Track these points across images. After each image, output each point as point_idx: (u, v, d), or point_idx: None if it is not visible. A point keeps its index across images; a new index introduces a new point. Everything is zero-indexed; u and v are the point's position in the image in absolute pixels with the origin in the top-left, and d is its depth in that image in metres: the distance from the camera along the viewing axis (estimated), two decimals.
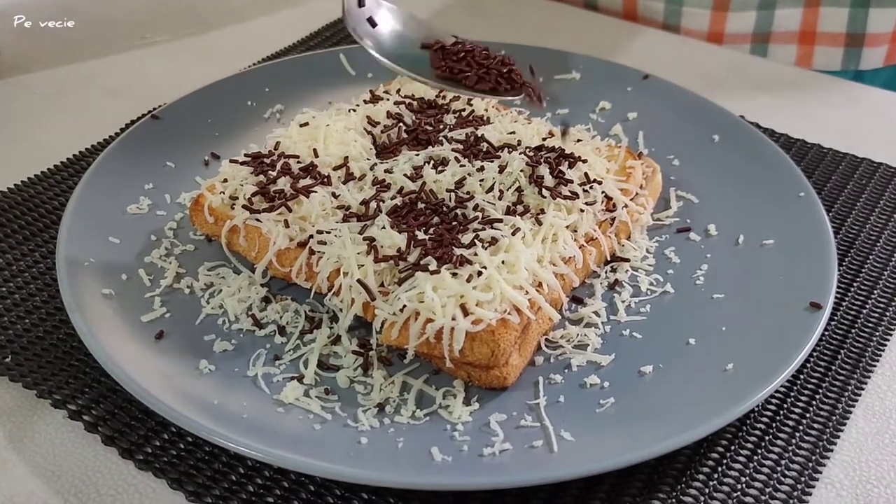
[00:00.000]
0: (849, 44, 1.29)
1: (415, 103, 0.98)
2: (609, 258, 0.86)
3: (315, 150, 0.88)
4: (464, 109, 0.98)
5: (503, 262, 0.74)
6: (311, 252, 0.78)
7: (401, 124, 0.94)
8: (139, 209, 0.90)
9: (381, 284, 0.75)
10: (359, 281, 0.75)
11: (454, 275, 0.72)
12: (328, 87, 1.10)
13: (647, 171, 0.92)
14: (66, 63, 1.22)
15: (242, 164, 0.87)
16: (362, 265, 0.75)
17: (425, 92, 1.00)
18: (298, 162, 0.87)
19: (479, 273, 0.72)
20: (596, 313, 0.80)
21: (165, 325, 0.78)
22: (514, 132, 0.91)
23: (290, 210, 0.81)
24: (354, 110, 0.96)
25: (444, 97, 1.00)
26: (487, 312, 0.70)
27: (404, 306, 0.71)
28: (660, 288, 0.83)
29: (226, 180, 0.86)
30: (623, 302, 0.82)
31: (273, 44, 1.25)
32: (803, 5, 1.28)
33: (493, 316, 0.70)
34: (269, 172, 0.85)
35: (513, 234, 0.77)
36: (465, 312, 0.70)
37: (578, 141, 0.93)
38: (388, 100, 0.98)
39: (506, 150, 0.88)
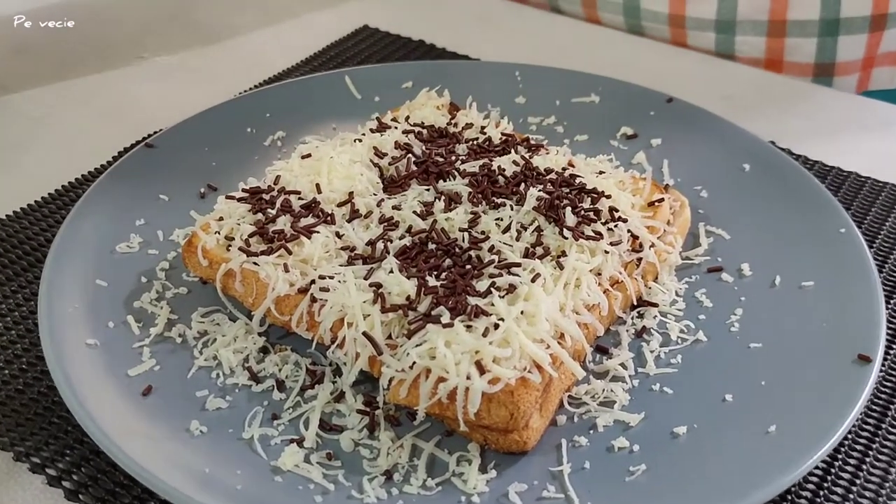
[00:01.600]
0: (818, 73, 1.22)
1: (424, 132, 0.92)
2: (635, 302, 0.79)
3: (318, 186, 0.82)
4: (477, 138, 0.91)
5: (522, 313, 0.68)
6: (313, 299, 0.72)
7: (409, 155, 0.87)
8: (129, 248, 0.84)
9: (389, 336, 0.69)
10: (364, 333, 0.68)
11: (468, 328, 0.66)
12: (333, 111, 1.04)
13: (675, 206, 0.86)
14: (58, 80, 1.16)
15: (240, 200, 0.81)
16: (368, 315, 0.69)
17: (435, 119, 0.94)
18: (300, 198, 0.81)
19: (496, 325, 0.66)
20: (623, 365, 0.74)
21: (154, 380, 0.72)
22: (531, 163, 0.85)
23: (289, 252, 0.75)
24: (360, 140, 0.90)
25: (455, 125, 0.94)
26: (506, 370, 0.64)
27: (414, 363, 0.65)
28: (691, 336, 0.77)
29: (221, 218, 0.80)
30: (652, 352, 0.75)
31: (275, 64, 1.20)
32: (766, 34, 1.21)
33: (513, 374, 0.64)
34: (268, 210, 0.79)
35: (532, 280, 0.70)
36: (482, 370, 0.64)
37: (601, 173, 0.86)
38: (395, 128, 0.92)
39: (523, 184, 0.81)
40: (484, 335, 0.65)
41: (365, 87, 1.07)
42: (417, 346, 0.66)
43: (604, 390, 0.72)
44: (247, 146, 0.99)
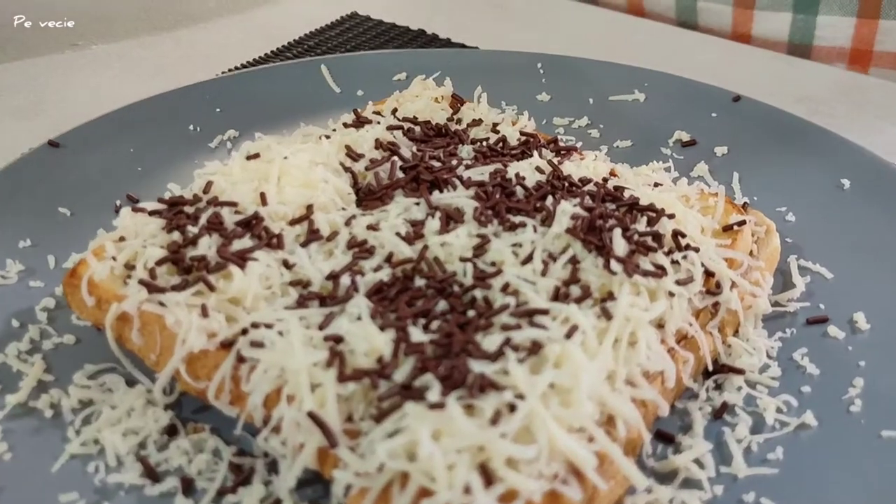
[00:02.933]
0: None
1: (416, 128, 0.69)
2: (711, 367, 0.57)
3: (262, 195, 0.58)
4: (487, 138, 0.69)
5: (552, 387, 0.48)
6: (240, 359, 0.49)
7: (395, 158, 0.64)
8: (3, 278, 0.64)
9: (349, 419, 0.49)
10: (310, 414, 0.45)
11: (469, 409, 0.47)
12: (303, 107, 0.85)
13: (758, 231, 0.64)
14: None
15: (151, 214, 0.59)
16: (319, 385, 0.47)
17: (432, 113, 0.71)
18: (237, 212, 0.59)
19: (513, 407, 0.46)
20: (698, 463, 0.53)
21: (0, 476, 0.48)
22: (560, 171, 0.62)
23: (212, 288, 0.52)
24: (328, 137, 0.67)
25: (458, 121, 0.71)
26: (526, 480, 0.42)
27: (383, 464, 0.41)
28: (794, 418, 0.56)
29: (123, 239, 0.57)
30: (739, 442, 0.55)
31: (240, 56, 0.98)
32: (856, 14, 1.01)
33: (537, 487, 0.43)
34: (190, 228, 0.56)
35: (567, 335, 0.47)
36: (489, 479, 0.44)
37: (657, 185, 0.63)
38: (378, 123, 0.69)
39: (550, 198, 0.58)
40: (493, 422, 0.46)
41: (346, 79, 0.87)
42: (390, 436, 0.46)
43: (672, 502, 0.47)
44: (186, 148, 0.80)
